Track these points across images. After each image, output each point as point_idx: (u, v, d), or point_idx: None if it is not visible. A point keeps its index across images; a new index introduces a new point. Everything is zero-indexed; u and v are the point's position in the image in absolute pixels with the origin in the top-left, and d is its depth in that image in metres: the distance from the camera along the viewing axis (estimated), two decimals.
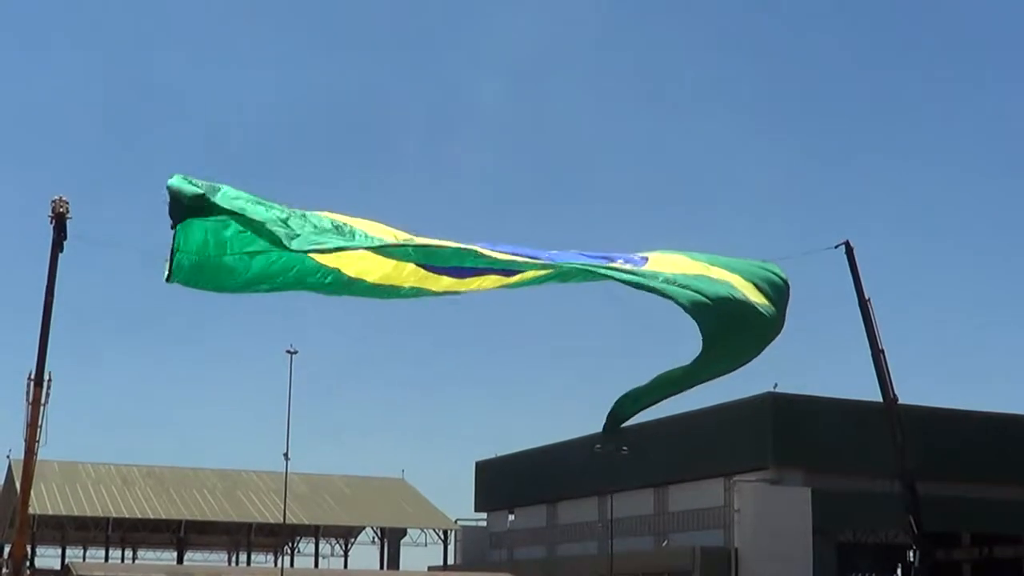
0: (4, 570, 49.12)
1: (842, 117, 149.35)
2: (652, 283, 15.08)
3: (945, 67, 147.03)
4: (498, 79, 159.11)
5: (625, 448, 72.66)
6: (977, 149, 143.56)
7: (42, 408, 30.36)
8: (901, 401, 41.16)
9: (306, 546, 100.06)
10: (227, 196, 14.36)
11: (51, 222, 28.09)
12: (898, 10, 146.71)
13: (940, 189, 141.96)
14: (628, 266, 15.77)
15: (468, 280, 15.85)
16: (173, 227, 13.85)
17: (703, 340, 15.29)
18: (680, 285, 15.11)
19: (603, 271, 15.46)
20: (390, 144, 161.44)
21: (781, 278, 16.56)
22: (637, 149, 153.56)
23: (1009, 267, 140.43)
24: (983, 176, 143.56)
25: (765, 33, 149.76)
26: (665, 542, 79.12)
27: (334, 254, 14.66)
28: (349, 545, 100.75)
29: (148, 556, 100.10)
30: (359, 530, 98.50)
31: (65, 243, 28.47)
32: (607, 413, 16.53)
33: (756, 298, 15.73)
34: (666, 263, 16.07)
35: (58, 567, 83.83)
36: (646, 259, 16.24)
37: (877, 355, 39.60)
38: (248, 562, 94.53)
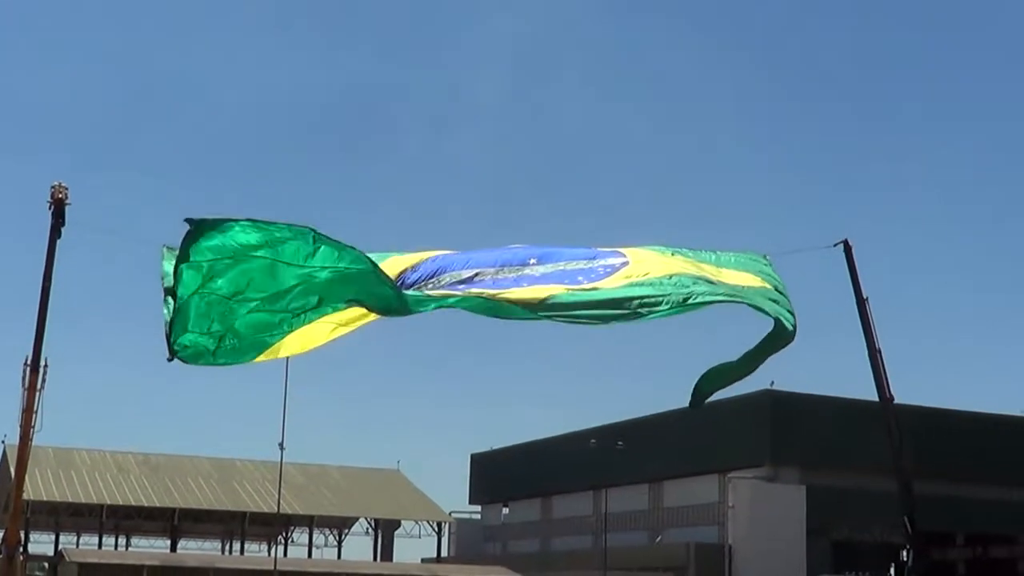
0: None
1: (841, 116, 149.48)
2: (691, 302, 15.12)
3: (945, 66, 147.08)
4: (497, 76, 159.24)
5: (620, 443, 72.77)
6: (976, 149, 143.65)
7: (38, 394, 30.24)
8: (897, 400, 41.08)
9: (300, 536, 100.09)
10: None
11: (50, 208, 28.01)
12: (898, 9, 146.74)
13: (939, 189, 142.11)
14: (619, 278, 15.54)
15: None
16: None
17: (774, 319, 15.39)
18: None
19: (594, 312, 15.23)
20: (390, 141, 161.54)
21: (779, 288, 16.54)
22: (635, 146, 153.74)
23: (1007, 268, 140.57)
24: (982, 175, 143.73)
25: (765, 30, 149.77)
26: (659, 538, 79.20)
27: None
28: (343, 536, 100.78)
29: (142, 543, 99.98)
30: (353, 521, 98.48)
31: (63, 229, 28.39)
32: (693, 388, 17.02)
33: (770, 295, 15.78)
34: (652, 264, 15.90)
35: (51, 553, 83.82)
36: (625, 258, 16.04)
37: (874, 354, 39.46)
38: (242, 551, 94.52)
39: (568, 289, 15.09)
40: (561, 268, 15.92)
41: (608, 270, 15.70)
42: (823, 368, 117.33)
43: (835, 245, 36.60)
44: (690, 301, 15.08)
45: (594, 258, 16.09)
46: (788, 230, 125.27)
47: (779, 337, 15.83)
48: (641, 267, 15.70)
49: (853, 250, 36.88)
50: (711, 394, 17.55)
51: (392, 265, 15.98)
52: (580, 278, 15.52)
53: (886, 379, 40.03)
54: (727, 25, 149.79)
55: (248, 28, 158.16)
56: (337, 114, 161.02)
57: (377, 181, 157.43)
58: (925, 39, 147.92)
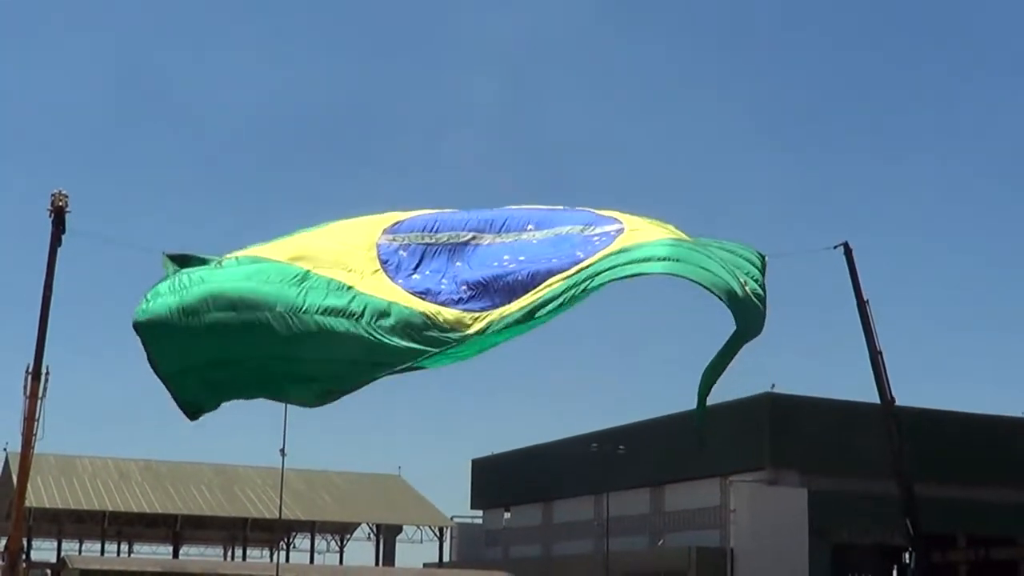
0: (0, 563, 49.10)
1: (841, 116, 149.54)
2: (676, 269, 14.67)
3: (944, 67, 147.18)
4: (493, 76, 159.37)
5: (622, 447, 72.76)
6: (975, 150, 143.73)
7: (39, 401, 30.23)
8: (898, 402, 41.12)
9: (302, 542, 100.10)
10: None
11: (50, 216, 28.01)
12: (898, 10, 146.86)
13: (939, 190, 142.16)
14: (610, 249, 15.32)
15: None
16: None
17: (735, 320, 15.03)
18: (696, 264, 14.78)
19: (592, 281, 14.93)
20: (386, 141, 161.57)
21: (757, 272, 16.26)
22: (633, 147, 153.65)
23: (1007, 269, 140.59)
24: (982, 177, 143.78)
25: (763, 31, 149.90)
26: (661, 542, 79.17)
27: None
28: (345, 541, 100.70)
29: (144, 550, 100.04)
30: (355, 526, 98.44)
31: (64, 237, 28.39)
32: (698, 418, 16.78)
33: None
34: (646, 232, 15.74)
35: (54, 560, 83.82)
36: (620, 224, 15.86)
37: (875, 356, 39.54)
38: (244, 557, 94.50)
39: (564, 277, 14.88)
40: (556, 233, 15.72)
41: (604, 240, 15.50)
42: (824, 370, 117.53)
43: (835, 247, 36.66)
44: (667, 270, 14.82)
45: (590, 224, 15.87)
46: (788, 232, 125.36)
47: (741, 334, 15.53)
48: (635, 236, 15.53)
49: (853, 252, 36.99)
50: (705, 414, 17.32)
51: (364, 225, 16.00)
52: (579, 253, 15.32)
53: (887, 381, 40.09)
54: (725, 26, 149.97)
55: (246, 30, 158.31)
56: (335, 115, 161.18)
57: (375, 182, 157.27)
58: (925, 39, 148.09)
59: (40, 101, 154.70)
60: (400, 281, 15.18)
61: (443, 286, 15.10)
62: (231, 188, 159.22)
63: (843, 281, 37.64)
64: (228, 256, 15.81)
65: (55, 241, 28.48)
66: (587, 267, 14.81)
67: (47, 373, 30.18)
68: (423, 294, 15.06)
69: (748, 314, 14.65)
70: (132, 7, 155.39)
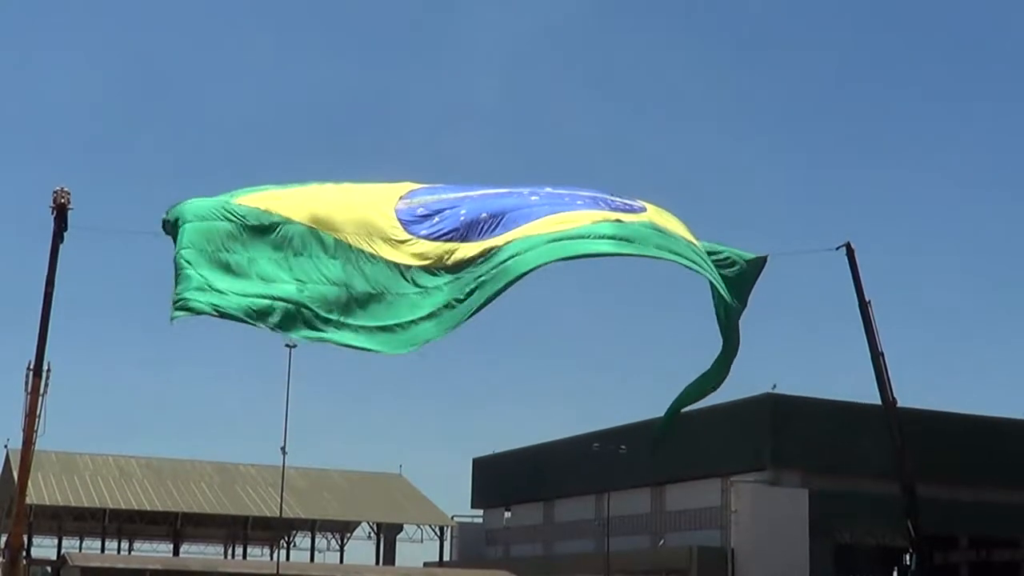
0: (1, 559, 49.11)
1: (842, 118, 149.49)
2: (681, 258, 14.84)
3: (945, 69, 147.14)
4: (495, 76, 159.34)
5: (623, 446, 72.75)
6: (977, 151, 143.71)
7: (41, 398, 30.23)
8: (900, 403, 41.05)
9: (302, 540, 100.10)
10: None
11: (52, 213, 28.00)
12: (899, 12, 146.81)
13: (941, 191, 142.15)
14: (631, 216, 15.47)
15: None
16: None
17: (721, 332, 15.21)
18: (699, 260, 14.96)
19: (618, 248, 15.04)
20: (388, 139, 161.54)
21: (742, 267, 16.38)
22: (634, 146, 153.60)
23: (1009, 270, 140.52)
24: (984, 178, 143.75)
25: (763, 31, 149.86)
26: (662, 541, 79.15)
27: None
28: (345, 540, 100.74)
29: (144, 548, 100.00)
30: (355, 525, 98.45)
31: (66, 234, 28.38)
32: (655, 437, 17.10)
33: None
34: (666, 218, 15.92)
35: (55, 557, 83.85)
36: (645, 208, 16.06)
37: (876, 357, 39.38)
38: (244, 555, 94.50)
39: (591, 217, 15.07)
40: (575, 192, 16.02)
41: (628, 208, 15.77)
42: (825, 371, 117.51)
43: (838, 248, 36.53)
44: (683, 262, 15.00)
45: (613, 194, 16.18)
46: (790, 232, 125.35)
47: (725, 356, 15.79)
48: (659, 218, 15.78)
49: (856, 253, 36.88)
50: (674, 428, 17.54)
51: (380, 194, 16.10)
52: (602, 204, 15.59)
53: (889, 382, 39.98)
54: (726, 24, 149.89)
55: (246, 29, 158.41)
56: (335, 114, 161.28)
57: (377, 179, 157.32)
58: (928, 41, 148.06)
59: (41, 99, 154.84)
60: (424, 231, 15.44)
61: (463, 217, 15.39)
62: (235, 185, 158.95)
63: (845, 282, 37.54)
64: (239, 201, 15.76)
65: (57, 238, 28.47)
66: (611, 220, 15.05)
67: (48, 369, 30.15)
68: (445, 235, 15.31)
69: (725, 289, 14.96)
70: (136, 5, 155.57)
